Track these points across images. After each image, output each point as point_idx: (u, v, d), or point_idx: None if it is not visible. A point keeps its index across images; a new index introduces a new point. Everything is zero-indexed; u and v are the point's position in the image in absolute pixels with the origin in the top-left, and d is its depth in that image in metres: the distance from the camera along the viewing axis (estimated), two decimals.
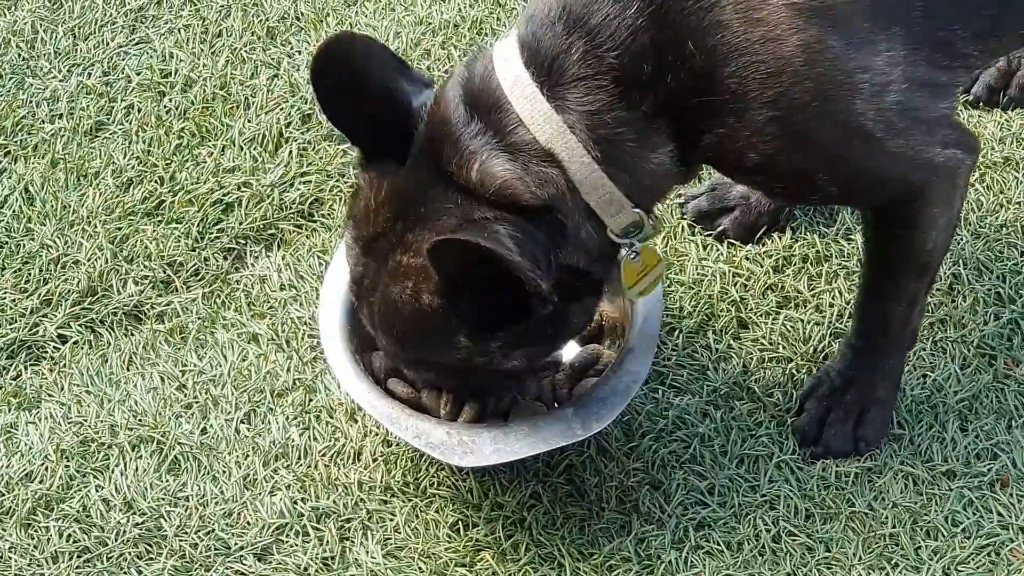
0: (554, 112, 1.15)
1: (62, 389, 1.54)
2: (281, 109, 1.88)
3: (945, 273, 1.55)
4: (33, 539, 1.39)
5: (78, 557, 1.38)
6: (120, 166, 1.81)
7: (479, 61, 1.21)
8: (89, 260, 1.68)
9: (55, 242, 1.70)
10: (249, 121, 1.86)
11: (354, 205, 1.27)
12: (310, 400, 1.52)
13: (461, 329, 1.21)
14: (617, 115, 1.15)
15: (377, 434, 1.48)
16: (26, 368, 1.58)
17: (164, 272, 1.68)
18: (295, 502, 1.41)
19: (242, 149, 1.82)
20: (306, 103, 1.88)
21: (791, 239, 1.65)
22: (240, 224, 1.73)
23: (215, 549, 1.38)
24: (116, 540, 1.39)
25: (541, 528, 1.39)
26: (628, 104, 1.16)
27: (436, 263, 1.13)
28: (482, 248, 1.09)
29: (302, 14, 2.02)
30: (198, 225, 1.72)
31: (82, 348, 1.60)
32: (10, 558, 1.38)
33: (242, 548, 1.38)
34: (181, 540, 1.39)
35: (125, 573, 1.37)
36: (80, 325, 1.62)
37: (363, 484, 1.44)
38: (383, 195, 1.21)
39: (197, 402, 1.52)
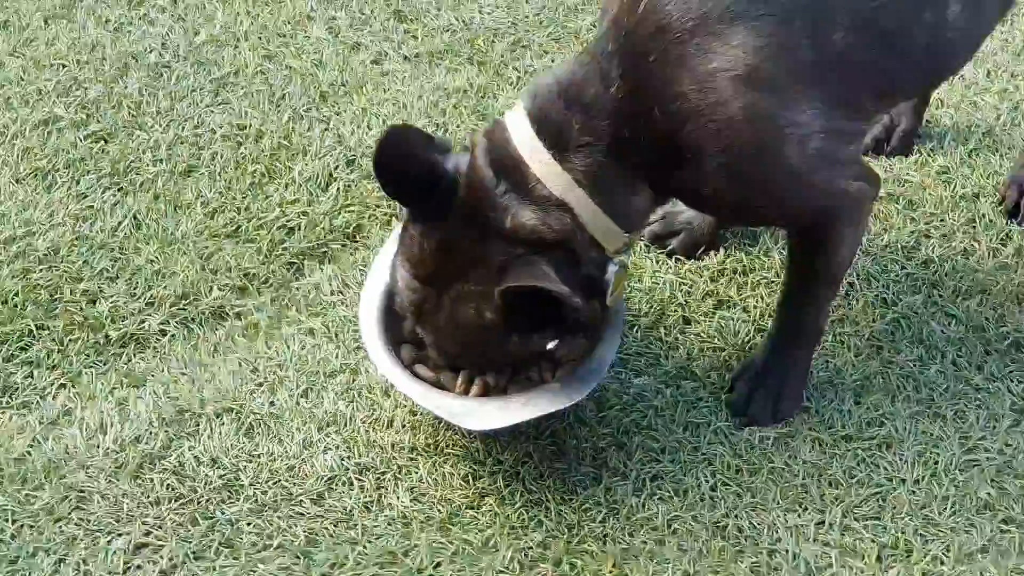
0: (564, 172, 1.19)
1: (162, 371, 1.54)
2: (330, 155, 1.89)
3: (844, 283, 1.56)
4: (140, 488, 1.39)
5: (175, 501, 1.38)
6: (207, 199, 1.81)
7: (497, 132, 1.24)
8: (183, 272, 1.68)
9: (157, 258, 1.71)
10: (306, 164, 1.87)
11: (409, 251, 1.30)
12: (354, 380, 1.52)
13: (513, 334, 1.26)
14: (610, 170, 1.20)
15: (406, 406, 1.47)
16: (135, 355, 1.58)
17: (241, 281, 1.68)
18: (342, 459, 1.41)
19: (300, 186, 1.82)
20: (349, 151, 1.90)
21: (724, 255, 1.66)
22: (299, 244, 1.73)
23: (280, 496, 1.38)
24: (204, 488, 1.39)
25: (532, 480, 1.39)
26: (617, 160, 1.20)
27: (504, 298, 1.19)
28: (544, 289, 1.16)
29: (347, 81, 2.03)
30: (267, 245, 1.73)
31: (178, 340, 1.59)
32: (123, 502, 1.38)
33: (302, 495, 1.38)
34: (255, 489, 1.39)
35: (211, 515, 1.37)
36: (176, 322, 1.62)
37: (395, 445, 1.43)
38: (435, 242, 1.26)
39: (267, 381, 1.52)
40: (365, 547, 1.33)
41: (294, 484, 1.40)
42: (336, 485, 1.40)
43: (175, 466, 1.41)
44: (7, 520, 1.33)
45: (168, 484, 1.39)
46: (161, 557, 1.31)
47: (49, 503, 1.35)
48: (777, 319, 1.43)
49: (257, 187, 1.83)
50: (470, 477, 1.40)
